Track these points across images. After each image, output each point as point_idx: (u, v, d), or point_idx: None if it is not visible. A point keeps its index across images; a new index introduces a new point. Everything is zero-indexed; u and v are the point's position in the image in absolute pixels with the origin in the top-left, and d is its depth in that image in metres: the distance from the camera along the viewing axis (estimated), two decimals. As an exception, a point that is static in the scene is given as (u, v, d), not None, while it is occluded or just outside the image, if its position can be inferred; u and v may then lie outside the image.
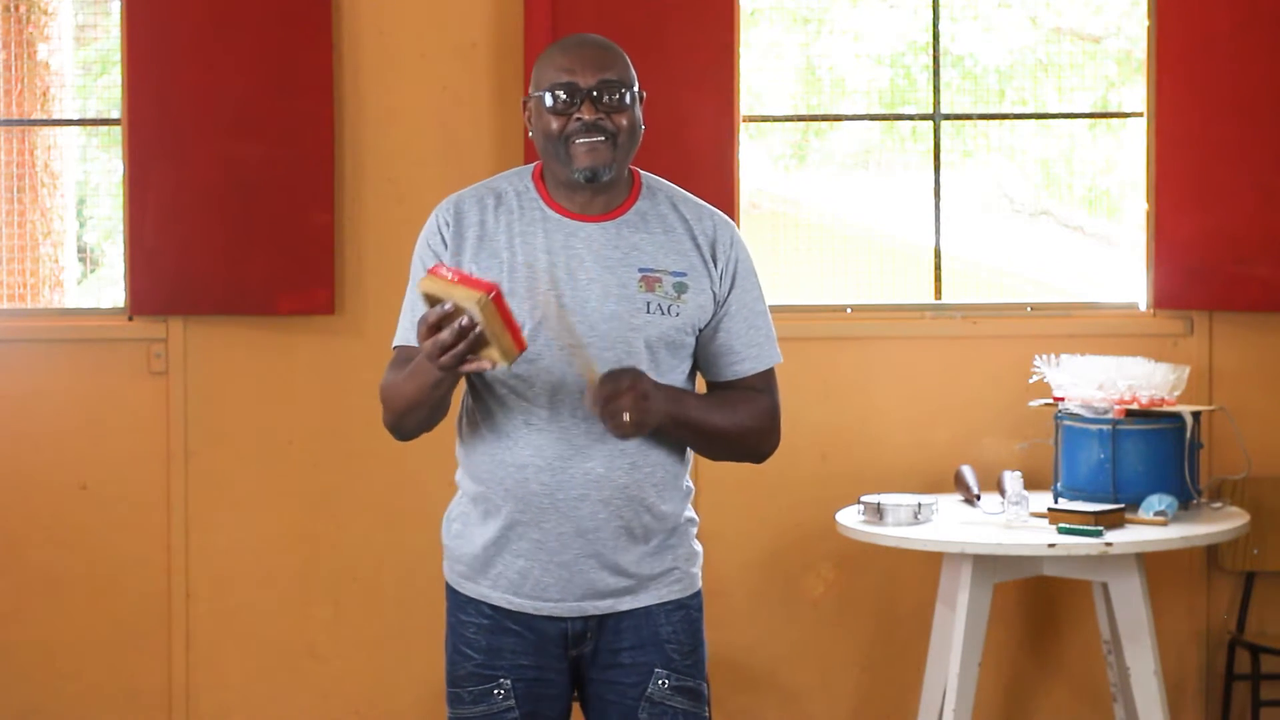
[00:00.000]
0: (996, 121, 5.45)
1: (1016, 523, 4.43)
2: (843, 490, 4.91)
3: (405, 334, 2.93)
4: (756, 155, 5.53)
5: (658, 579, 2.94)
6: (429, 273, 2.64)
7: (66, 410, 5.11)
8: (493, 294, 2.59)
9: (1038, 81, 5.43)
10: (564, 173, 2.87)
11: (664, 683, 2.94)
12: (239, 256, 5.00)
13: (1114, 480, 4.55)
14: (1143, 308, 5.11)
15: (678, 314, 2.88)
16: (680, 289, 2.89)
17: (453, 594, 2.99)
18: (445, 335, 2.62)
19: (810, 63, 5.45)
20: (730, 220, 2.99)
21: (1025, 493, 4.50)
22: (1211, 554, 5.07)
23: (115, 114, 5.24)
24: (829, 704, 5.15)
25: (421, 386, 2.77)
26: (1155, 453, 4.58)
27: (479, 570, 2.93)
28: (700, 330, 2.93)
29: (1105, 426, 4.58)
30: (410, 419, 2.86)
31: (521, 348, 2.65)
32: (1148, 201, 5.09)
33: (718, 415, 2.91)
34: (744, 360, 2.96)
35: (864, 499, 4.52)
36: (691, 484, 3.01)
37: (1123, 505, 4.45)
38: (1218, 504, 4.73)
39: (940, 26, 5.21)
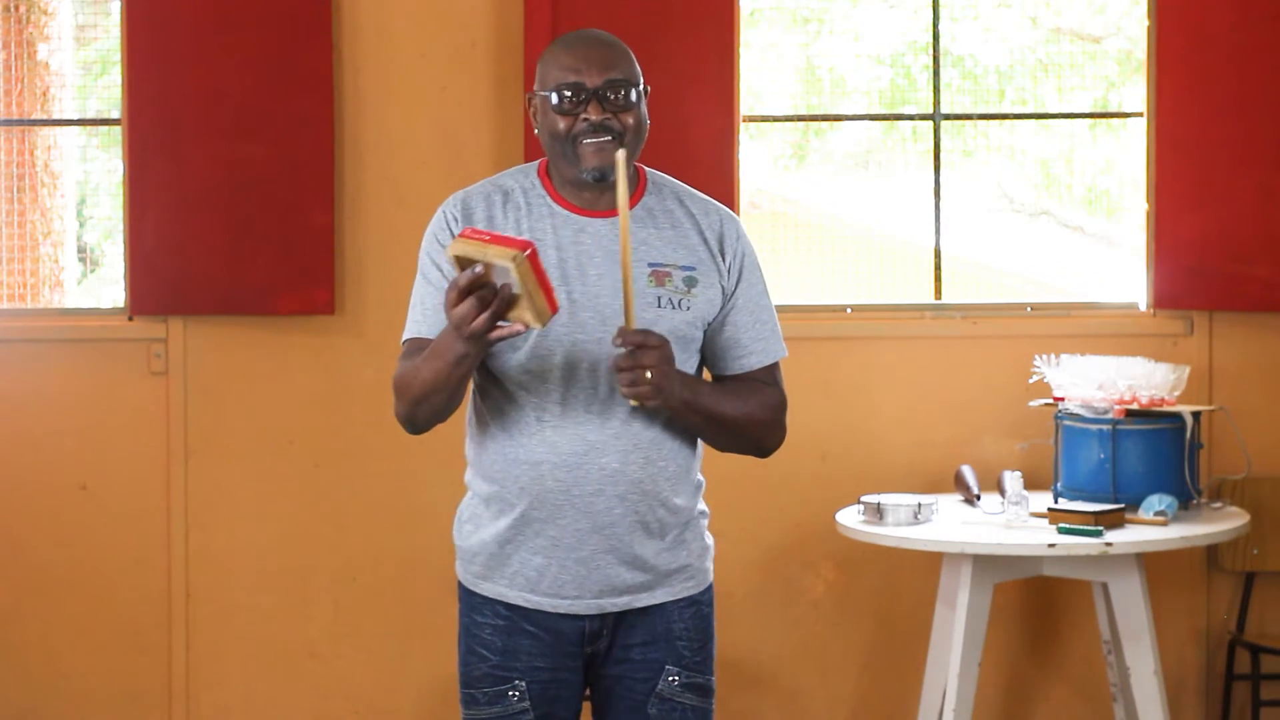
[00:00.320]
0: (996, 121, 5.45)
1: (1016, 523, 4.43)
2: (843, 490, 4.91)
3: (417, 326, 2.91)
4: (756, 155, 5.53)
5: (671, 576, 2.94)
6: (459, 236, 2.62)
7: (66, 410, 5.11)
8: (529, 251, 2.57)
9: (1038, 81, 5.43)
10: (571, 172, 2.87)
11: (674, 679, 2.95)
12: (239, 256, 5.00)
13: (1114, 480, 4.55)
14: (1143, 308, 5.11)
15: (688, 308, 2.89)
16: (690, 283, 2.90)
17: (466, 594, 2.98)
18: (476, 299, 2.59)
19: (810, 63, 5.45)
20: (735, 215, 2.99)
21: (1025, 493, 4.49)
22: (1211, 554, 5.07)
23: (115, 114, 5.24)
24: (829, 704, 5.15)
25: (442, 367, 2.74)
26: (1155, 453, 4.58)
27: (494, 569, 2.93)
28: (708, 324, 2.93)
29: (1105, 426, 4.57)
30: (425, 406, 2.83)
31: (555, 309, 2.62)
32: (1148, 201, 5.09)
33: (729, 404, 2.91)
34: (750, 354, 2.96)
35: (864, 499, 4.52)
36: (702, 477, 3.01)
37: (1123, 505, 4.45)
38: (1218, 504, 4.73)
39: (940, 26, 5.21)
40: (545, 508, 2.87)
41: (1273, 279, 4.96)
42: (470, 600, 2.97)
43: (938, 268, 5.18)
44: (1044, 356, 4.76)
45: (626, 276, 2.75)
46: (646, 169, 2.98)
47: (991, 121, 5.44)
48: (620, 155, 2.77)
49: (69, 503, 5.11)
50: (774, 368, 3.00)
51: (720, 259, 2.93)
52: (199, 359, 5.08)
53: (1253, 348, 5.08)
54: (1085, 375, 4.66)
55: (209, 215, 5.00)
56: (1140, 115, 5.13)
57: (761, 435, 2.98)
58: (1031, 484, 4.74)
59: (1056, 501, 4.58)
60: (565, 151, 2.86)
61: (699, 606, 2.99)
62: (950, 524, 4.46)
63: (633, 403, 2.80)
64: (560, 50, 2.89)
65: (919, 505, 4.44)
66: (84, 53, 5.56)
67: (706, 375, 3.02)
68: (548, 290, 2.61)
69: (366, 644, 5.14)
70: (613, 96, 2.85)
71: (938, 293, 5.18)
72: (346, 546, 5.12)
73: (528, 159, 4.88)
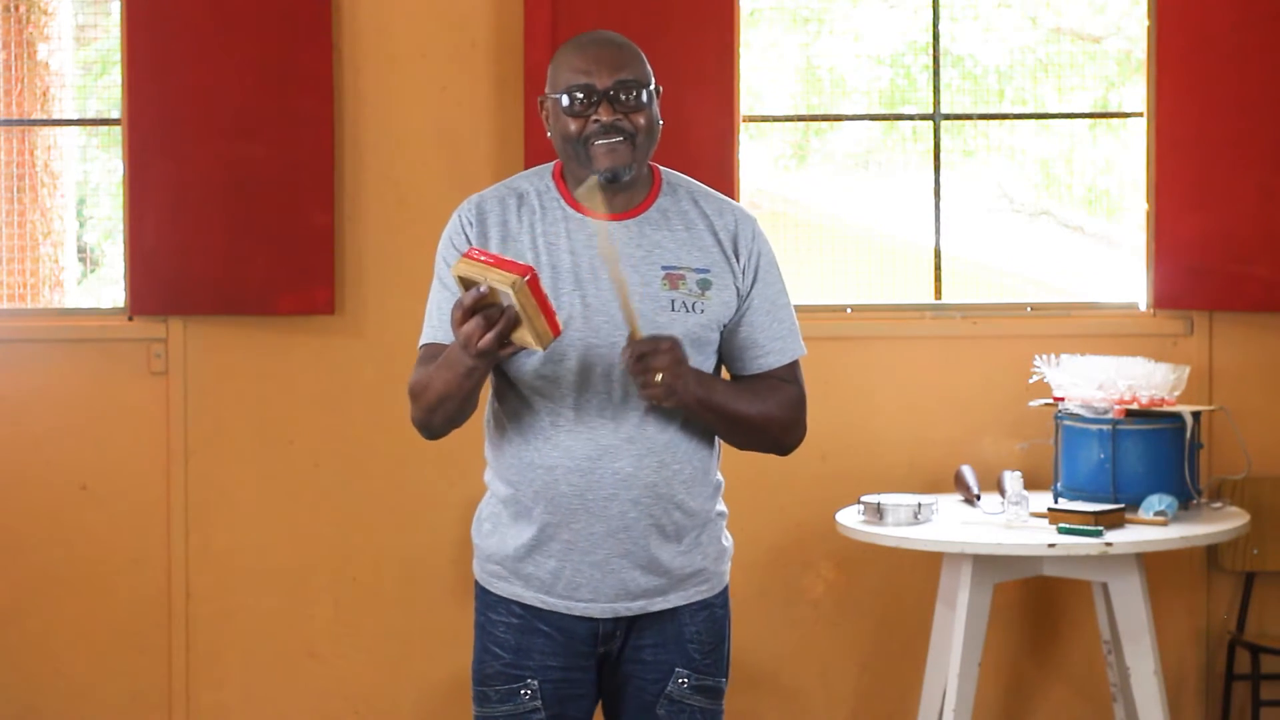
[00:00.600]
0: (996, 121, 5.45)
1: (1016, 523, 4.43)
2: (843, 490, 4.91)
3: (433, 332, 2.92)
4: (756, 155, 5.53)
5: (686, 580, 2.95)
6: (463, 256, 2.64)
7: (66, 410, 5.11)
8: (528, 276, 2.58)
9: (1038, 81, 5.42)
10: (584, 173, 2.87)
11: (684, 682, 2.96)
12: (239, 256, 5.00)
13: (1114, 480, 4.55)
14: (1143, 308, 5.11)
15: (702, 310, 2.89)
16: (704, 285, 2.90)
17: (483, 593, 2.99)
18: (480, 319, 2.61)
19: (810, 63, 5.45)
20: (751, 215, 2.99)
21: (1025, 493, 4.49)
22: (1211, 554, 5.07)
23: (115, 114, 5.24)
24: (829, 704, 5.15)
25: (454, 377, 2.75)
26: (1155, 453, 4.58)
27: (511, 570, 2.93)
28: (724, 326, 2.93)
29: (1105, 426, 4.57)
30: (440, 413, 2.84)
31: (556, 332, 2.64)
32: (1148, 201, 5.09)
33: (745, 402, 2.91)
34: (768, 354, 2.96)
35: (864, 499, 4.52)
36: (721, 478, 3.01)
37: (1123, 505, 4.45)
38: (1218, 504, 4.73)
39: (940, 26, 5.21)
40: (560, 512, 2.87)
41: (1273, 279, 4.96)
42: (486, 599, 2.98)
43: (938, 268, 5.18)
44: (1044, 356, 4.76)
45: (624, 296, 2.75)
46: (661, 169, 2.99)
47: (991, 121, 5.44)
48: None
49: (69, 503, 5.11)
50: (793, 366, 2.99)
51: (735, 260, 2.93)
52: (199, 359, 5.08)
53: (1253, 348, 5.08)
54: (1085, 375, 4.66)
55: (209, 215, 5.00)
56: (1140, 115, 5.13)
57: (780, 433, 2.98)
58: (1031, 484, 4.74)
59: (1056, 501, 4.58)
60: (577, 153, 2.86)
61: (712, 610, 3.00)
62: (950, 524, 4.46)
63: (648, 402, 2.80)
64: (571, 52, 2.89)
65: (919, 505, 4.44)
66: (84, 53, 5.56)
67: (725, 375, 3.02)
68: (549, 314, 2.62)
69: (366, 644, 5.14)
70: (623, 97, 2.85)
71: (938, 293, 5.18)
72: (346, 546, 5.12)
73: (528, 159, 4.88)
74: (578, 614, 2.91)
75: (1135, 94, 5.25)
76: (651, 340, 2.76)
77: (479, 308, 2.62)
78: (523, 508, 2.90)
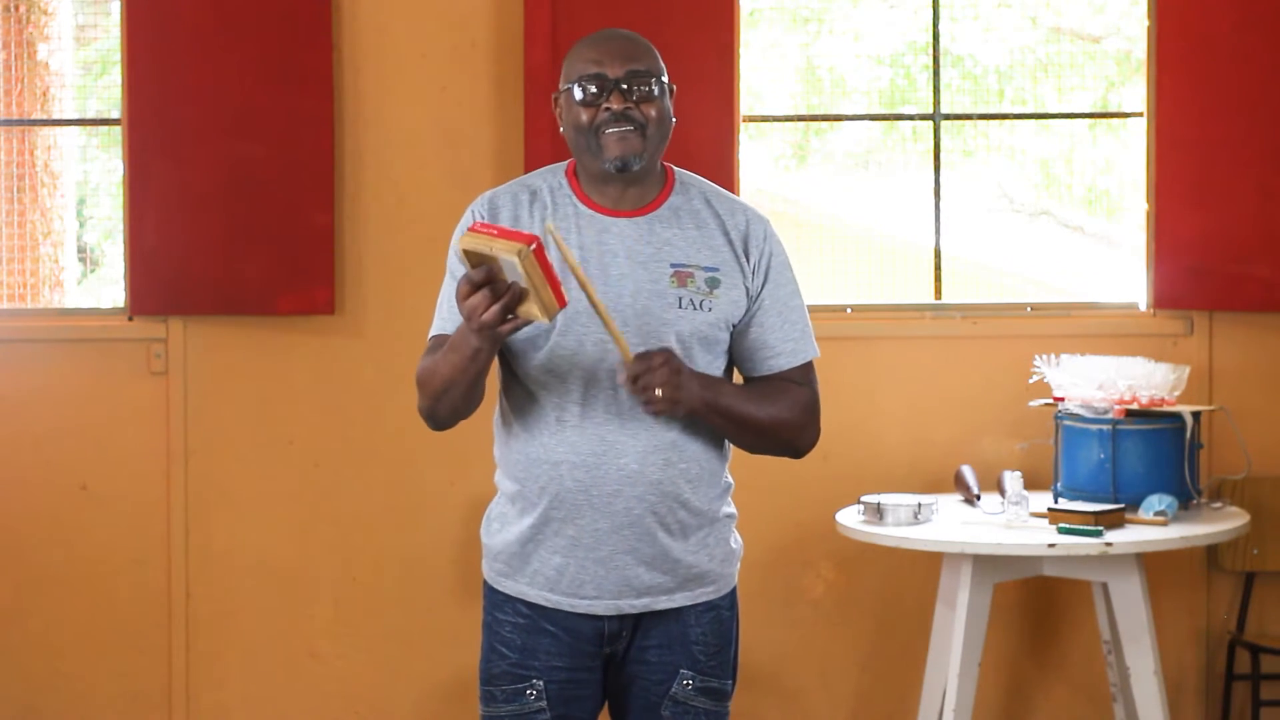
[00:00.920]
0: (996, 121, 5.45)
1: (1016, 523, 4.43)
2: (843, 490, 4.91)
3: (443, 324, 2.93)
4: (756, 155, 5.53)
5: (692, 581, 2.94)
6: (470, 230, 2.65)
7: (66, 410, 5.11)
8: (533, 245, 2.58)
9: (1038, 81, 5.42)
10: (595, 165, 2.88)
11: (688, 684, 2.96)
12: (239, 256, 5.00)
13: (1114, 480, 4.55)
14: (1143, 308, 5.11)
15: (710, 309, 2.89)
16: (712, 284, 2.90)
17: (490, 592, 3.00)
18: (487, 292, 2.61)
19: (810, 63, 5.45)
20: (764, 216, 2.99)
21: (1025, 493, 4.49)
22: (1211, 554, 5.07)
23: (115, 114, 5.24)
24: (829, 704, 5.15)
25: (460, 360, 2.76)
26: (1155, 453, 4.58)
27: (516, 567, 2.94)
28: (734, 326, 2.93)
29: (1105, 426, 4.57)
30: (446, 401, 2.84)
31: (562, 303, 2.63)
32: (1148, 201, 5.09)
33: (753, 405, 2.90)
34: (780, 355, 2.96)
35: (864, 499, 4.52)
36: (731, 479, 3.01)
37: (1123, 505, 4.45)
38: (1218, 504, 4.73)
39: (940, 26, 5.21)
40: (565, 507, 2.87)
41: (1273, 279, 4.96)
42: (493, 597, 2.99)
43: (938, 268, 5.18)
44: (1044, 356, 4.76)
45: (606, 320, 2.74)
46: (675, 168, 2.99)
47: (991, 121, 5.44)
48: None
49: (69, 503, 5.11)
50: (806, 368, 2.99)
51: (745, 260, 2.93)
52: (199, 359, 5.08)
53: (1253, 348, 5.08)
54: (1085, 375, 4.66)
55: (209, 215, 5.00)
56: (1140, 115, 5.13)
57: (791, 436, 2.97)
58: (1031, 484, 4.74)
59: (1056, 501, 4.58)
60: (588, 143, 2.87)
61: (718, 611, 2.99)
62: (950, 524, 4.46)
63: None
64: (584, 46, 2.92)
65: (919, 505, 4.44)
66: (84, 53, 5.56)
67: (738, 377, 3.01)
68: (555, 285, 2.62)
69: (366, 644, 5.14)
70: (635, 88, 2.86)
71: (938, 293, 5.18)
72: (346, 546, 5.12)
73: (528, 159, 4.88)
74: (582, 611, 2.91)
75: (1135, 94, 5.25)
76: (644, 358, 2.76)
77: (485, 282, 2.63)
78: (528, 503, 2.90)
